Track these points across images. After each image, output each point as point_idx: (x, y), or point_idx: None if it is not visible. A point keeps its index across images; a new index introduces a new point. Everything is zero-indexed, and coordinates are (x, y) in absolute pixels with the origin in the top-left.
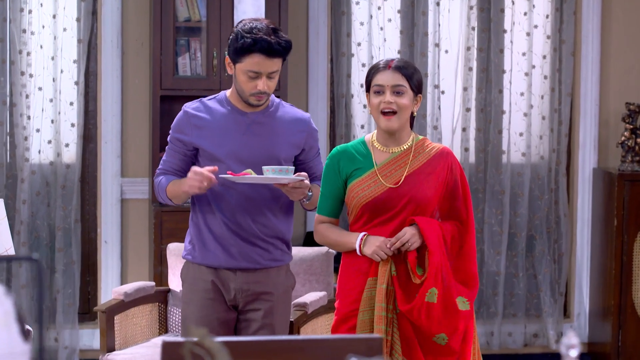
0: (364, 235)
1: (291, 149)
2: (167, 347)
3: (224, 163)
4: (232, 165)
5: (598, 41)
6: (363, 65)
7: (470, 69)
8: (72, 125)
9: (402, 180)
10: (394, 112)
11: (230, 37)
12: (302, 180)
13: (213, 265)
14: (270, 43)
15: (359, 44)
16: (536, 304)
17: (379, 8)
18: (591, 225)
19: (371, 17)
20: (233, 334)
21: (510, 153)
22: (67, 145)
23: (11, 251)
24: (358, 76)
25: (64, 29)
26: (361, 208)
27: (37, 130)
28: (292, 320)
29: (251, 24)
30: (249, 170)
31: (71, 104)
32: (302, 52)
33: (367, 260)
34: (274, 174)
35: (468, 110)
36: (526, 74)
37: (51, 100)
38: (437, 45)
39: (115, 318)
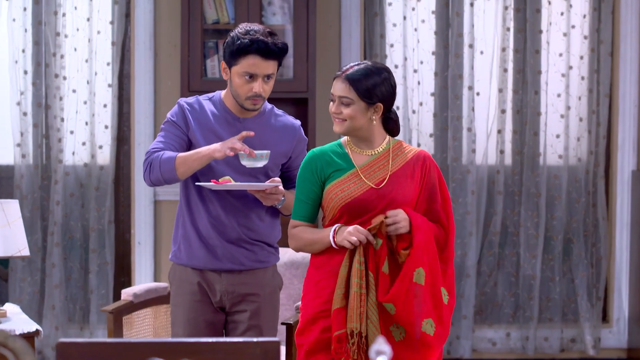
0: (338, 226)
1: (279, 157)
2: (61, 348)
3: (211, 165)
4: (220, 167)
5: (637, 41)
6: (396, 66)
7: (506, 70)
8: (106, 127)
9: (385, 181)
10: (343, 119)
11: (226, 41)
12: (278, 186)
13: (198, 267)
14: (266, 44)
15: (391, 45)
16: (573, 309)
17: (413, 9)
18: (630, 228)
19: (405, 18)
20: (222, 336)
21: (547, 155)
22: (100, 147)
23: (25, 252)
24: None
25: (98, 32)
26: (340, 209)
27: (71, 132)
28: (291, 323)
29: (247, 27)
30: (228, 178)
31: (105, 106)
32: (335, 54)
33: (341, 261)
34: (250, 160)
35: (503, 112)
36: (563, 75)
37: (85, 103)
38: (471, 46)
39: (123, 319)
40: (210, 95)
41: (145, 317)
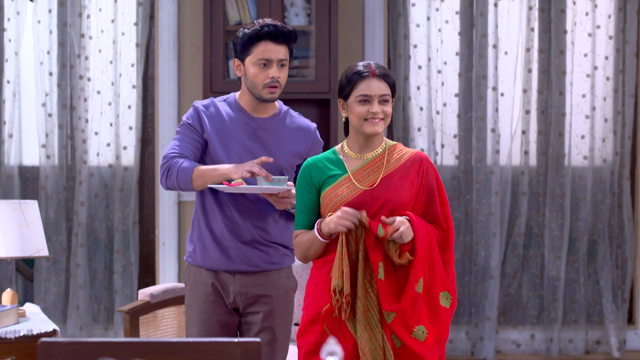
0: (321, 220)
1: (294, 158)
2: (43, 347)
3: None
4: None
5: None
6: (419, 67)
7: (530, 70)
8: (130, 128)
9: (377, 183)
10: (380, 119)
11: (235, 38)
12: (291, 190)
13: (212, 268)
14: (276, 26)
15: (415, 46)
16: (598, 310)
17: (437, 9)
18: None
19: (428, 18)
20: (235, 336)
21: (572, 156)
22: (125, 148)
23: (43, 252)
24: (415, 78)
25: (122, 33)
26: (335, 211)
27: (96, 133)
28: None
29: (254, 21)
30: (240, 180)
31: (129, 107)
32: (358, 54)
33: None
34: (268, 184)
35: (528, 112)
36: (588, 76)
37: (110, 104)
38: (495, 46)
39: (140, 319)
40: (225, 97)
41: (164, 317)
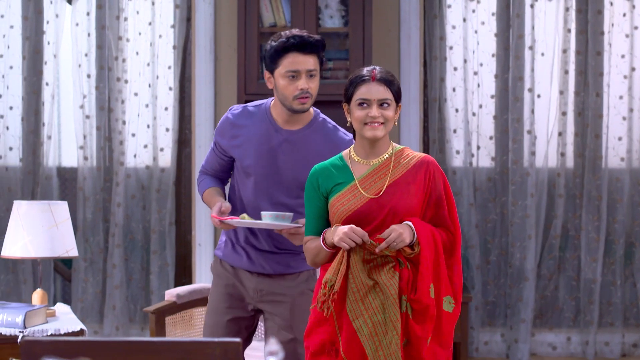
0: (326, 230)
1: None
2: (25, 346)
3: (251, 176)
4: (259, 179)
5: None
6: (455, 68)
7: (567, 72)
8: (167, 129)
9: (383, 191)
10: (380, 123)
11: (264, 50)
12: (299, 227)
13: (234, 265)
14: (302, 37)
15: (451, 48)
16: (635, 313)
17: (473, 11)
18: None
19: (464, 20)
20: (244, 333)
21: (608, 158)
22: (162, 149)
23: (72, 252)
24: (451, 80)
25: (160, 36)
26: (343, 221)
27: (133, 135)
28: None
29: (281, 33)
30: (244, 215)
31: (166, 109)
32: (394, 56)
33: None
34: (271, 220)
35: (564, 114)
36: (625, 77)
37: (147, 106)
38: (531, 48)
39: (166, 319)
40: (260, 102)
41: (192, 317)
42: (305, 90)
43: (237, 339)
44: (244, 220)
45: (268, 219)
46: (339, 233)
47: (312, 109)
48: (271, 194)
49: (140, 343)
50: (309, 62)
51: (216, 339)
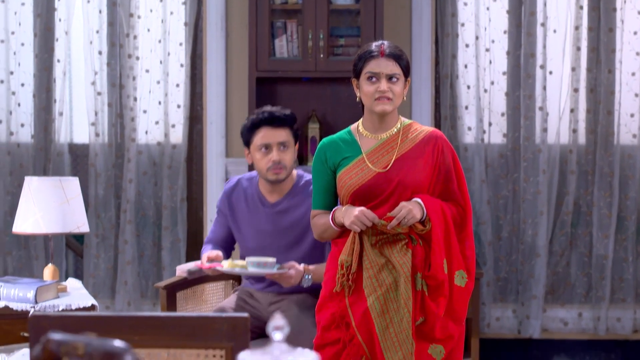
0: (337, 208)
1: None
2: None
3: (250, 249)
4: (259, 252)
5: None
6: (467, 45)
7: (579, 48)
8: (179, 106)
9: (390, 164)
10: (388, 98)
11: (242, 128)
12: (284, 272)
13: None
14: (272, 113)
15: (462, 25)
16: None
17: None
18: None
19: None
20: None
21: (620, 135)
22: (173, 126)
23: (84, 228)
24: (463, 57)
25: (171, 13)
26: (351, 195)
27: (144, 112)
28: None
29: (255, 110)
30: (230, 262)
31: (177, 85)
32: (406, 32)
33: None
34: (254, 267)
35: (576, 91)
36: (637, 54)
37: (158, 82)
38: (543, 24)
39: (177, 294)
40: (253, 174)
41: (203, 292)
42: (276, 162)
43: (245, 314)
44: (226, 268)
45: (251, 266)
46: (350, 216)
47: (295, 174)
48: (273, 253)
49: (148, 318)
50: (280, 135)
51: (224, 314)
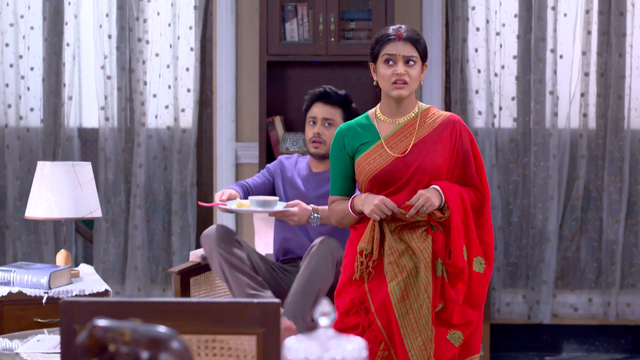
0: (356, 195)
1: None
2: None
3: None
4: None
5: None
6: (478, 29)
7: (589, 32)
8: (188, 90)
9: (409, 150)
10: (405, 82)
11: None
12: (286, 211)
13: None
14: (326, 91)
15: (473, 8)
16: None
17: None
18: None
19: None
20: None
21: (631, 119)
22: (183, 110)
23: (96, 213)
24: (473, 40)
25: None
26: (370, 181)
27: (154, 96)
28: None
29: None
30: (239, 201)
31: (187, 69)
32: (417, 16)
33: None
34: (257, 206)
35: (587, 75)
36: None
37: (168, 66)
38: (554, 8)
39: (191, 280)
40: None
41: (216, 278)
42: (315, 135)
43: (277, 300)
44: (232, 207)
45: (254, 204)
46: (370, 204)
47: None
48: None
49: (180, 304)
50: (328, 112)
51: (255, 300)
